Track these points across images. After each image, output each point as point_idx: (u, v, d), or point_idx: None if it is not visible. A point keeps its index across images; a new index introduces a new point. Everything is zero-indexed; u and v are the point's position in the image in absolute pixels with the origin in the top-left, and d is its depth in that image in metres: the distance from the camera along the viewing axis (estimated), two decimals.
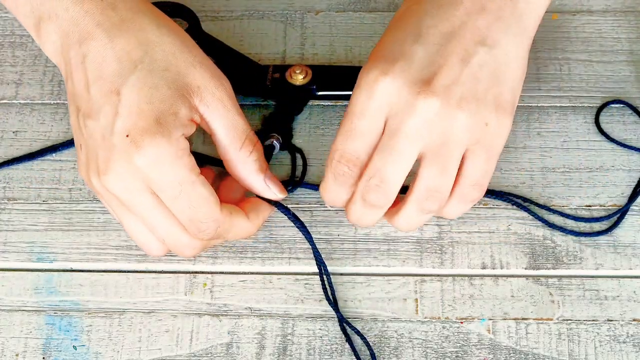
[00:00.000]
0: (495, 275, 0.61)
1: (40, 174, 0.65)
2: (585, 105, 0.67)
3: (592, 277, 0.61)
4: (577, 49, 0.69)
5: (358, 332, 0.58)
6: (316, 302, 0.60)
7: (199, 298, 0.61)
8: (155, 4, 0.66)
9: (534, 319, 0.59)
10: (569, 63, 0.69)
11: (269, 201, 0.59)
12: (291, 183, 0.63)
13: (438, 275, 0.61)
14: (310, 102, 0.68)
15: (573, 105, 0.67)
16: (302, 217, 0.61)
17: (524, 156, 0.65)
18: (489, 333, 0.59)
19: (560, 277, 0.61)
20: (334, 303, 0.59)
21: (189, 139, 0.54)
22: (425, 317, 0.60)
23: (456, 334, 0.59)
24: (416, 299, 0.60)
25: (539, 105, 0.67)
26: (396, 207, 0.57)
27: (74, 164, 0.65)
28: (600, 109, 0.66)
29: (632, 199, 0.63)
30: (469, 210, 0.59)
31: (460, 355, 0.58)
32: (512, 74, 0.54)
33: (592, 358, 0.58)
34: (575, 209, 0.63)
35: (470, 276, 0.61)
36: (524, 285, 0.60)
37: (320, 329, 0.59)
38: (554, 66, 0.68)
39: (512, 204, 0.63)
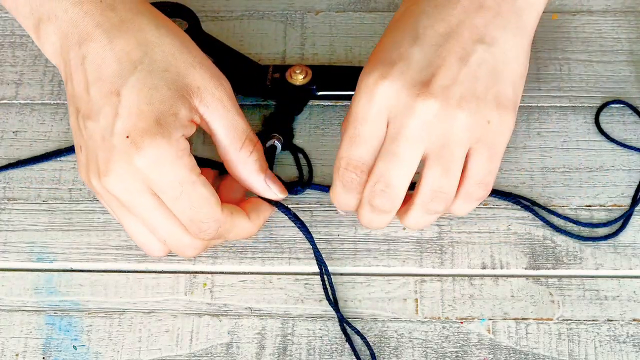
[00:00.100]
0: (495, 275, 0.61)
1: (40, 174, 0.65)
2: (585, 105, 0.67)
3: (592, 277, 0.61)
4: (577, 49, 0.69)
5: (358, 332, 0.58)
6: (316, 302, 0.60)
7: (199, 298, 0.61)
8: (155, 4, 0.66)
9: (534, 319, 0.59)
10: (569, 63, 0.69)
11: (270, 201, 0.59)
12: (299, 184, 0.63)
13: (438, 275, 0.61)
14: (310, 102, 0.68)
15: (573, 105, 0.67)
16: (302, 217, 0.61)
17: (524, 156, 0.65)
18: (489, 333, 0.59)
19: (560, 277, 0.61)
20: (334, 303, 0.59)
21: (189, 140, 0.54)
22: (425, 317, 0.60)
23: (456, 334, 0.59)
24: (416, 299, 0.60)
25: (539, 105, 0.67)
26: (405, 208, 0.57)
27: (74, 164, 0.65)
28: (600, 109, 0.66)
29: (634, 202, 0.63)
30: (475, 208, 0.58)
31: (460, 355, 0.58)
32: (512, 71, 0.54)
33: (592, 358, 0.58)
34: (575, 209, 0.63)
35: (470, 276, 0.61)
36: (524, 285, 0.61)
37: (320, 329, 0.59)
38: (554, 66, 0.68)
39: (520, 206, 0.63)
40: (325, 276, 0.60)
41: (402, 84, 0.53)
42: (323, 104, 0.68)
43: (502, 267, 0.61)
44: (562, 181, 0.64)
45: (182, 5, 0.69)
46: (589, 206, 0.63)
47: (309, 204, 0.64)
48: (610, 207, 0.63)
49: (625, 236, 0.62)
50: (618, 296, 0.60)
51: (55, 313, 0.60)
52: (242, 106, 0.66)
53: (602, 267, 0.61)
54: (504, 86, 0.54)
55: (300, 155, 0.65)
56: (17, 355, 0.59)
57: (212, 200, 0.54)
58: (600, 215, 0.63)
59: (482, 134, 0.53)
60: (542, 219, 0.62)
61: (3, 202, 0.64)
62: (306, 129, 0.67)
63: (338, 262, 0.61)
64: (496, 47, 0.54)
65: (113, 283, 0.61)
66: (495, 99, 0.53)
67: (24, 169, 0.65)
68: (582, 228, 0.62)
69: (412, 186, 0.55)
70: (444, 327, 0.59)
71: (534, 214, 0.62)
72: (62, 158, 0.66)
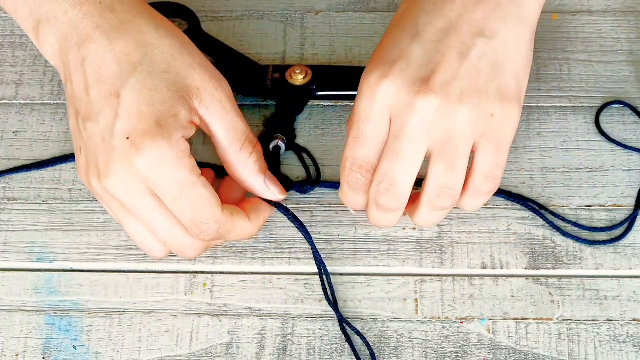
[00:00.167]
0: (495, 275, 0.61)
1: (40, 174, 0.65)
2: (585, 105, 0.67)
3: (592, 277, 0.61)
4: (577, 49, 0.69)
5: (358, 333, 0.58)
6: (316, 302, 0.60)
7: (199, 298, 0.61)
8: (155, 4, 0.67)
9: (534, 319, 0.59)
10: (569, 63, 0.69)
11: (269, 202, 0.59)
12: (308, 183, 0.63)
13: (438, 275, 0.61)
14: (311, 102, 0.68)
15: (573, 105, 0.67)
16: (302, 217, 0.61)
17: (524, 156, 0.65)
18: (489, 333, 0.59)
19: (560, 277, 0.61)
20: (334, 303, 0.59)
21: (189, 141, 0.54)
22: (425, 317, 0.60)
23: (456, 334, 0.59)
24: (416, 299, 0.60)
25: (539, 105, 0.67)
26: (413, 206, 0.57)
27: (74, 165, 0.65)
28: (600, 110, 0.66)
29: (638, 205, 0.63)
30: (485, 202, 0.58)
31: (460, 355, 0.58)
32: (514, 62, 0.54)
33: (592, 358, 0.58)
34: (575, 209, 0.63)
35: (470, 276, 0.61)
36: (524, 285, 0.60)
37: (320, 329, 0.59)
38: (554, 66, 0.68)
39: (527, 208, 0.62)
40: (324, 277, 0.60)
41: (402, 82, 0.53)
42: (323, 104, 0.68)
43: (502, 267, 0.61)
44: (562, 181, 0.64)
45: (182, 5, 0.69)
46: (589, 206, 0.63)
47: (309, 204, 0.64)
48: (610, 207, 0.63)
49: (625, 236, 0.62)
50: (618, 296, 0.60)
51: (55, 313, 0.60)
52: (242, 106, 0.66)
53: (602, 267, 0.61)
54: (506, 78, 0.54)
55: (305, 155, 0.65)
56: (17, 355, 0.59)
57: (212, 201, 0.54)
58: (600, 216, 0.63)
59: (487, 128, 0.53)
60: (550, 222, 0.62)
61: (3, 202, 0.64)
62: (306, 129, 0.67)
63: (338, 262, 0.61)
64: (496, 40, 0.53)
65: (113, 283, 0.61)
66: (498, 91, 0.53)
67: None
68: (591, 232, 0.62)
69: (418, 183, 0.55)
70: (444, 327, 0.59)
71: (540, 216, 0.62)
72: None
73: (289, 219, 0.59)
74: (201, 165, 0.62)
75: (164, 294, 0.61)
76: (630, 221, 0.62)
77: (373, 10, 0.72)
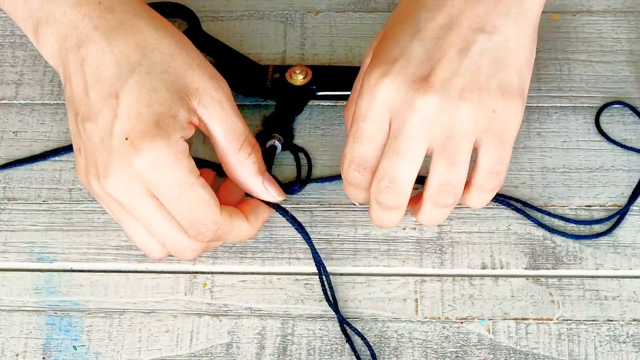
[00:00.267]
0: (495, 275, 0.61)
1: (40, 174, 0.65)
2: (585, 105, 0.67)
3: (592, 277, 0.61)
4: (577, 49, 0.69)
5: (358, 333, 0.58)
6: (316, 302, 0.60)
7: (199, 298, 0.61)
8: (155, 4, 0.67)
9: (534, 319, 0.59)
10: (569, 63, 0.69)
11: (268, 203, 0.59)
12: (297, 182, 0.63)
13: (438, 275, 0.61)
14: (311, 102, 0.68)
15: (573, 105, 0.67)
16: (302, 217, 0.61)
17: (524, 156, 0.65)
18: (489, 333, 0.59)
19: (560, 277, 0.61)
20: (333, 304, 0.59)
21: (188, 142, 0.54)
22: (425, 317, 0.60)
23: (456, 334, 0.59)
24: (416, 299, 0.60)
25: (539, 105, 0.67)
26: (416, 204, 0.57)
27: (74, 165, 0.65)
28: (600, 110, 0.66)
29: (632, 199, 0.63)
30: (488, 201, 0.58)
31: (460, 355, 0.58)
32: (516, 57, 0.54)
33: (592, 358, 0.58)
34: (575, 209, 0.63)
35: (470, 276, 0.61)
36: (524, 285, 0.60)
37: (320, 329, 0.59)
38: (554, 66, 0.68)
39: (511, 208, 0.63)
40: (324, 277, 0.60)
41: (402, 81, 0.53)
42: (323, 104, 0.68)
43: (502, 267, 0.61)
44: (562, 181, 0.64)
45: (182, 5, 0.69)
46: (589, 206, 0.63)
47: (309, 204, 0.64)
48: (610, 207, 0.63)
49: (625, 236, 0.62)
50: (618, 296, 0.60)
51: (55, 313, 0.60)
52: (242, 106, 0.66)
53: (602, 267, 0.61)
54: (507, 74, 0.53)
55: (301, 155, 0.65)
56: (17, 355, 0.59)
57: (210, 202, 0.54)
58: (600, 215, 0.63)
59: (489, 124, 0.53)
60: (536, 220, 0.62)
61: (3, 202, 0.64)
62: (306, 129, 0.67)
63: (338, 262, 0.61)
64: (498, 35, 0.53)
65: (113, 283, 0.61)
66: (500, 87, 0.53)
67: (24, 169, 0.65)
68: (580, 226, 0.62)
69: (420, 180, 0.55)
70: (444, 327, 0.59)
71: (525, 215, 0.62)
72: (62, 158, 0.66)
73: (287, 220, 0.59)
74: (202, 164, 0.62)
75: (164, 294, 0.61)
76: (620, 215, 0.62)
77: (373, 10, 0.72)
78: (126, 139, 0.52)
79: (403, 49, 0.54)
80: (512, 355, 0.58)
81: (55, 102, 0.68)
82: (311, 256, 0.61)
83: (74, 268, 0.62)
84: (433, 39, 0.53)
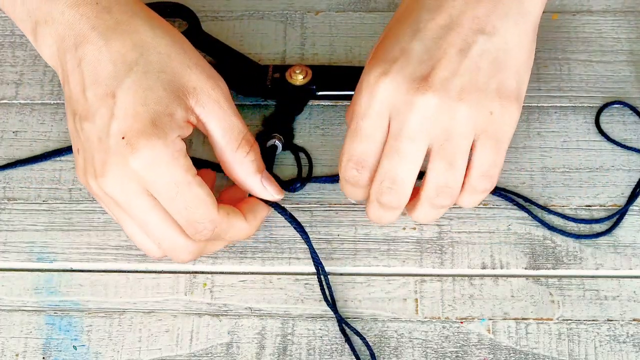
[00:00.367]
0: (495, 275, 0.61)
1: (40, 174, 0.65)
2: (585, 105, 0.67)
3: (592, 277, 0.61)
4: (577, 49, 0.69)
5: (357, 333, 0.58)
6: (316, 302, 0.60)
7: (199, 298, 0.60)
8: (155, 4, 0.67)
9: (534, 319, 0.59)
10: (569, 63, 0.69)
11: (266, 201, 0.59)
12: (298, 180, 0.63)
13: (438, 275, 0.61)
14: (311, 102, 0.68)
15: (573, 105, 0.67)
16: (302, 217, 0.61)
17: (524, 156, 0.65)
18: (489, 333, 0.59)
19: (560, 277, 0.61)
20: (332, 304, 0.59)
21: (186, 141, 0.54)
22: (425, 317, 0.60)
23: (456, 334, 0.59)
24: (416, 299, 0.60)
25: (539, 105, 0.67)
26: (412, 203, 0.57)
27: (74, 164, 0.65)
28: (600, 110, 0.66)
29: (631, 199, 0.63)
30: (481, 200, 0.58)
31: (460, 355, 0.58)
32: (514, 60, 0.54)
33: (592, 358, 0.58)
34: (575, 209, 0.63)
35: (470, 276, 0.61)
36: (524, 285, 0.60)
37: (320, 329, 0.59)
38: (554, 66, 0.68)
39: (513, 204, 0.63)
40: (322, 277, 0.60)
41: (402, 80, 0.53)
42: (323, 104, 0.68)
43: (502, 267, 0.61)
44: (562, 181, 0.64)
45: (182, 5, 0.69)
46: (589, 206, 0.63)
47: (309, 204, 0.64)
48: (610, 207, 0.63)
49: (625, 236, 0.62)
50: (618, 296, 0.60)
51: (55, 313, 0.60)
52: (242, 106, 0.66)
53: (602, 267, 0.61)
54: (506, 76, 0.53)
55: (302, 155, 0.65)
56: (17, 355, 0.59)
57: (207, 201, 0.54)
58: (600, 215, 0.63)
59: (486, 126, 0.53)
60: (538, 218, 0.62)
61: (3, 202, 0.64)
62: (306, 129, 0.67)
63: (338, 262, 0.61)
64: (498, 37, 0.53)
65: (113, 283, 0.61)
66: (497, 89, 0.53)
67: (24, 169, 0.65)
68: (580, 225, 0.62)
69: (422, 174, 0.55)
70: (444, 327, 0.59)
71: (528, 213, 0.62)
72: (62, 158, 0.66)
73: (286, 219, 0.59)
74: (202, 164, 0.62)
75: (164, 294, 0.61)
76: (620, 214, 0.62)
77: (373, 10, 0.72)
78: (123, 138, 0.52)
79: (403, 48, 0.54)
80: (512, 355, 0.58)
81: (55, 102, 0.68)
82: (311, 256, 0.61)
83: (74, 268, 0.62)
84: (433, 39, 0.53)
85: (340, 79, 0.67)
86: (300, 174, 0.64)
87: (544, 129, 0.66)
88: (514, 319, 0.59)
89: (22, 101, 0.68)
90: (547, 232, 0.62)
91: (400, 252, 0.62)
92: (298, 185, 0.63)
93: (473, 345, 0.59)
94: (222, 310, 0.60)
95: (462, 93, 0.52)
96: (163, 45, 0.54)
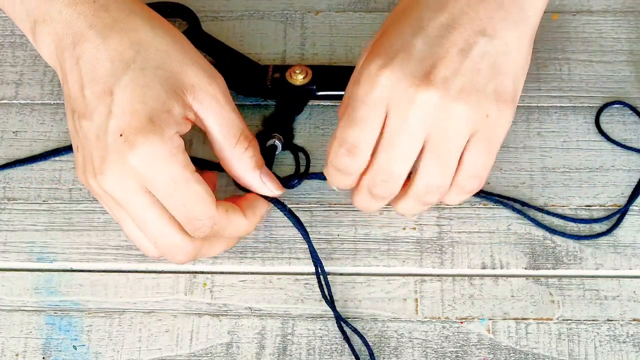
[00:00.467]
0: (495, 275, 0.61)
1: (40, 174, 0.65)
2: (585, 105, 0.67)
3: (592, 277, 0.61)
4: (577, 49, 0.69)
5: (355, 330, 0.58)
6: (316, 302, 0.60)
7: (199, 298, 0.60)
8: (155, 4, 0.67)
9: (534, 319, 0.59)
10: (569, 63, 0.69)
11: (266, 197, 0.59)
12: (296, 177, 0.63)
13: (438, 275, 0.61)
14: (311, 102, 0.68)
15: (573, 105, 0.67)
16: (302, 217, 0.61)
17: (524, 156, 0.65)
18: (489, 333, 0.59)
19: (560, 277, 0.61)
20: (330, 301, 0.59)
21: (184, 138, 0.54)
22: (425, 317, 0.60)
23: (456, 334, 0.59)
24: (416, 299, 0.60)
25: (539, 105, 0.67)
26: (398, 195, 0.57)
27: (74, 164, 0.65)
28: (600, 110, 0.66)
29: (631, 199, 0.63)
30: (468, 199, 0.58)
31: (460, 355, 0.58)
32: (513, 64, 0.54)
33: (592, 358, 0.58)
34: (575, 209, 0.63)
35: (470, 276, 0.61)
36: (524, 285, 0.60)
37: (320, 329, 0.59)
38: (554, 66, 0.68)
39: (511, 209, 0.63)
40: (320, 273, 0.59)
41: (403, 74, 0.53)
42: (323, 104, 0.68)
43: (502, 267, 0.61)
44: (562, 181, 0.64)
45: (182, 5, 0.69)
46: (589, 206, 0.63)
47: (309, 204, 0.64)
48: (610, 207, 0.63)
49: (625, 236, 0.62)
50: (618, 296, 0.60)
51: (55, 313, 0.60)
52: (242, 106, 0.66)
53: (602, 267, 0.61)
54: (504, 79, 0.54)
55: (301, 155, 0.65)
56: (17, 355, 0.59)
57: (206, 198, 0.54)
58: (600, 215, 0.63)
59: (480, 127, 0.53)
60: (535, 221, 0.62)
61: (3, 202, 0.64)
62: (306, 129, 0.67)
63: (338, 262, 0.61)
64: (498, 40, 0.53)
65: (113, 283, 0.61)
66: (495, 92, 0.53)
67: (24, 169, 0.65)
68: (579, 225, 0.62)
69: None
70: (444, 327, 0.59)
71: (525, 217, 0.62)
72: (62, 158, 0.66)
73: (285, 214, 0.59)
74: (202, 163, 0.62)
75: (164, 294, 0.61)
76: (621, 214, 0.62)
77: (373, 10, 0.72)
78: (121, 135, 0.52)
79: (405, 44, 0.54)
80: (512, 355, 0.58)
81: (55, 102, 0.68)
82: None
83: (74, 268, 0.62)
84: (435, 37, 0.53)
85: (340, 79, 0.67)
86: (298, 170, 0.64)
87: (544, 129, 0.66)
88: (514, 319, 0.59)
89: (22, 101, 0.68)
90: (547, 232, 0.62)
91: (400, 252, 0.62)
92: (295, 181, 0.63)
93: (473, 345, 0.59)
94: (222, 310, 0.60)
95: (461, 93, 0.53)
96: (160, 43, 0.54)
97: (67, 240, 0.62)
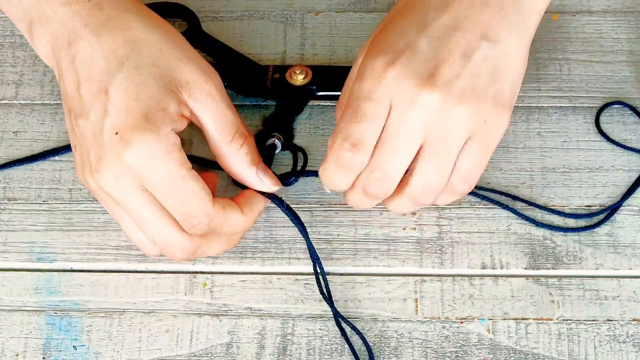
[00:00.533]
0: (495, 275, 0.61)
1: (40, 174, 0.65)
2: (585, 105, 0.67)
3: (592, 277, 0.61)
4: (577, 49, 0.69)
5: (354, 328, 0.58)
6: (316, 302, 0.60)
7: (199, 298, 0.61)
8: (155, 4, 0.67)
9: (533, 319, 0.59)
10: (569, 63, 0.69)
11: (264, 193, 0.59)
12: (293, 174, 0.63)
13: (438, 275, 0.61)
14: (311, 102, 0.68)
15: (573, 105, 0.67)
16: (302, 217, 0.61)
17: (524, 156, 0.65)
18: (489, 333, 0.59)
19: (560, 277, 0.61)
20: (328, 297, 0.59)
21: (181, 135, 0.54)
22: (425, 317, 0.60)
23: (456, 334, 0.59)
24: (416, 299, 0.60)
25: (539, 105, 0.67)
26: (393, 193, 0.57)
27: (74, 164, 0.65)
28: (600, 110, 0.66)
29: (625, 196, 0.63)
30: (468, 199, 0.58)
31: (460, 355, 0.58)
32: (513, 69, 0.54)
33: (592, 358, 0.58)
34: (575, 209, 0.63)
35: (470, 276, 0.61)
36: (524, 285, 0.60)
37: (320, 329, 0.59)
38: (554, 66, 0.68)
39: (501, 207, 0.63)
40: (318, 268, 0.59)
41: (407, 74, 0.53)
42: (323, 104, 0.68)
43: (502, 267, 0.61)
44: (562, 181, 0.64)
45: (182, 5, 0.69)
46: (589, 206, 0.63)
47: (309, 204, 0.64)
48: (610, 207, 0.63)
49: (625, 236, 0.62)
50: (618, 296, 0.60)
51: (55, 313, 0.60)
52: (242, 106, 0.66)
53: (602, 267, 0.61)
54: (503, 85, 0.54)
55: (301, 154, 0.65)
56: (17, 355, 0.59)
57: (202, 195, 0.54)
58: (600, 215, 0.63)
59: (477, 131, 0.54)
60: (534, 221, 0.62)
61: (3, 202, 0.64)
62: (306, 129, 0.67)
63: (338, 262, 0.61)
64: (499, 45, 0.54)
65: (113, 283, 0.61)
66: (494, 97, 0.54)
67: (24, 169, 0.65)
68: (578, 223, 0.62)
69: None
70: (444, 327, 0.59)
71: (524, 218, 0.62)
72: (62, 158, 0.66)
73: (282, 210, 0.59)
74: (202, 163, 0.62)
75: (164, 294, 0.61)
76: (610, 211, 0.62)
77: (373, 10, 0.72)
78: (116, 133, 0.52)
79: (409, 42, 0.54)
80: (512, 355, 0.58)
81: (55, 102, 0.68)
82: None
83: (74, 268, 0.62)
84: (439, 38, 0.53)
85: (340, 79, 0.67)
86: (295, 168, 0.64)
87: (544, 129, 0.66)
88: (514, 319, 0.59)
89: (22, 101, 0.68)
90: (547, 232, 0.62)
91: (400, 252, 0.62)
92: (292, 179, 0.62)
93: (473, 345, 0.59)
94: (222, 310, 0.60)
95: (462, 96, 0.53)
96: (155, 40, 0.54)
97: (67, 241, 0.62)
